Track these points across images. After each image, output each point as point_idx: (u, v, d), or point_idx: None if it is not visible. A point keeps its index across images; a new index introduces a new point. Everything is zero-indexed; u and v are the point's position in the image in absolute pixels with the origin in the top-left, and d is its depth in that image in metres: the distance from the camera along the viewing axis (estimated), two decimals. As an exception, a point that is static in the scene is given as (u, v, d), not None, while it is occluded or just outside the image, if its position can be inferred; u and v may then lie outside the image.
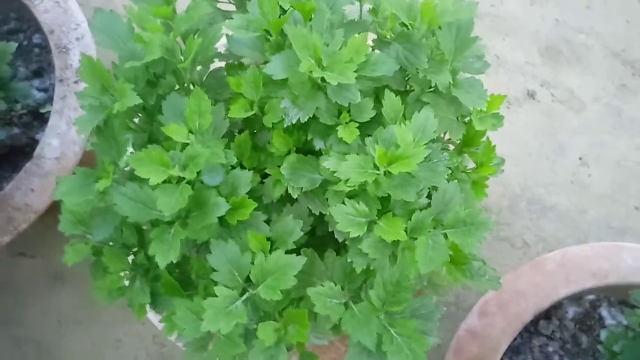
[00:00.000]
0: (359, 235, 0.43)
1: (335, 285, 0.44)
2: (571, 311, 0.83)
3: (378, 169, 0.42)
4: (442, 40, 0.46)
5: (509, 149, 1.27)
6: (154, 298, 0.49)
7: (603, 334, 0.76)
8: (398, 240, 0.43)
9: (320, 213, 0.48)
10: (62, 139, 0.84)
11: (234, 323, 0.40)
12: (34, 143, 0.88)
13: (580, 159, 1.26)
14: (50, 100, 0.89)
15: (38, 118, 0.91)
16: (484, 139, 0.54)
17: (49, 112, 0.86)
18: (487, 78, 1.37)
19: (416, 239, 0.43)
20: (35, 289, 1.14)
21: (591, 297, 0.83)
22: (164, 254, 0.41)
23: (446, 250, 0.44)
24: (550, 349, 0.83)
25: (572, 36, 1.36)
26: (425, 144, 0.43)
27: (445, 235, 0.46)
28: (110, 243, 0.50)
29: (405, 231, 0.43)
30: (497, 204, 1.23)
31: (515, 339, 0.83)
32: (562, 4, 1.39)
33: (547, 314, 0.84)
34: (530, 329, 0.83)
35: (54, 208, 0.71)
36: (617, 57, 1.35)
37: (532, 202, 1.22)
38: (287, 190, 0.48)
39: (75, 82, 0.84)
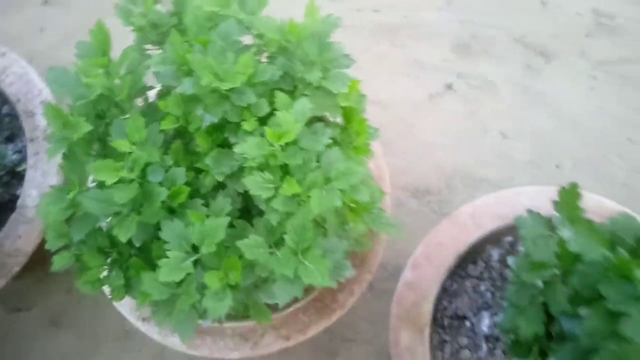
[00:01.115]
0: (269, 197, 0.58)
1: (261, 238, 0.59)
2: (495, 254, 0.98)
3: (272, 145, 0.57)
4: (308, 48, 0.62)
5: (438, 137, 1.44)
6: (127, 282, 0.63)
7: (511, 261, 0.90)
8: (299, 196, 0.58)
9: (245, 191, 0.63)
10: (40, 188, 0.99)
11: (184, 274, 0.54)
12: (15, 198, 1.02)
13: (501, 133, 1.44)
14: (24, 159, 1.03)
15: (16, 177, 1.05)
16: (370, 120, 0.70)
17: (24, 169, 1.01)
18: (409, 79, 1.56)
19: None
20: (36, 338, 1.25)
21: (509, 239, 0.98)
22: (124, 233, 0.56)
23: (335, 197, 0.59)
24: (482, 287, 0.97)
25: (477, 31, 1.56)
26: (305, 123, 0.59)
27: (340, 190, 0.61)
28: (88, 247, 0.65)
29: (303, 188, 0.58)
30: (437, 186, 1.39)
31: (452, 285, 0.98)
32: (463, 6, 1.59)
33: (474, 260, 0.99)
34: (462, 274, 0.98)
35: (44, 262, 0.82)
36: (519, 43, 1.55)
37: (465, 178, 1.38)
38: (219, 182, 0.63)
39: (44, 139, 0.99)
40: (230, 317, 0.94)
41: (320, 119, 0.65)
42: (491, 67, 1.51)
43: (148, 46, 0.66)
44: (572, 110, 1.44)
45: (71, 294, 1.28)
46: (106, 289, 0.71)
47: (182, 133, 0.64)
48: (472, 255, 0.98)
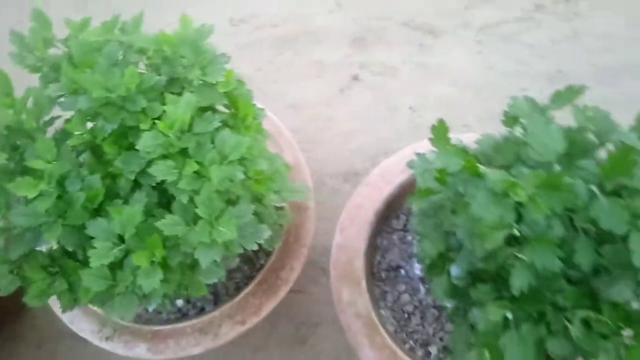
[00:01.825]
0: (175, 180, 0.67)
1: (177, 217, 0.68)
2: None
3: (167, 135, 0.67)
4: (184, 53, 0.73)
5: (355, 124, 1.56)
6: (70, 286, 0.70)
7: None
8: (202, 173, 0.68)
9: (159, 184, 0.72)
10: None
11: (112, 258, 0.63)
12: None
13: (410, 108, 1.58)
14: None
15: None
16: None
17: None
18: (317, 79, 1.68)
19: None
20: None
21: (420, 190, 1.10)
22: (52, 234, 0.64)
23: (236, 170, 0.69)
24: (409, 237, 1.08)
25: (369, 25, 1.71)
26: (197, 114, 0.69)
27: (240, 164, 0.71)
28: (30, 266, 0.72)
29: (204, 166, 0.68)
30: (363, 167, 1.51)
31: (382, 241, 1.08)
32: (352, 5, 1.75)
33: (396, 215, 1.10)
34: (388, 230, 1.09)
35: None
36: (408, 27, 1.71)
37: (387, 154, 1.50)
38: (134, 181, 0.72)
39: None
40: (184, 316, 1.02)
41: (211, 109, 0.75)
42: (389, 53, 1.66)
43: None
44: (466, 75, 1.60)
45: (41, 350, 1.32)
46: (58, 307, 0.78)
47: (94, 147, 0.73)
48: (394, 211, 1.09)
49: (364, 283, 0.98)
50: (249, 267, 1.08)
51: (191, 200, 0.68)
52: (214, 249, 0.67)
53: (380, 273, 1.07)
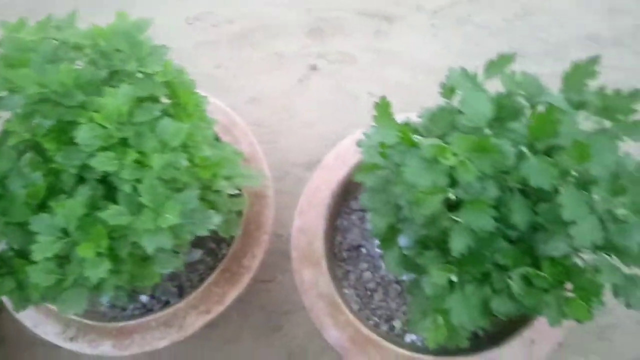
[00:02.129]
0: (117, 170, 0.68)
1: (121, 207, 0.69)
2: (370, 187, 1.11)
3: (105, 127, 0.68)
4: (119, 45, 0.73)
5: (316, 113, 1.58)
6: (19, 284, 0.71)
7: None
8: (143, 162, 0.69)
9: (104, 177, 0.72)
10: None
11: (55, 251, 0.63)
12: None
13: (369, 94, 1.60)
14: None
15: None
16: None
17: None
18: (276, 72, 1.69)
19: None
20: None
21: (377, 171, 1.12)
22: (-6, 232, 0.64)
23: (178, 157, 0.70)
24: (368, 216, 1.10)
25: (324, 15, 1.73)
26: (137, 104, 0.70)
27: (185, 151, 0.72)
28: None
29: (146, 155, 0.69)
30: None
31: (342, 222, 1.10)
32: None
33: (354, 196, 1.12)
34: (347, 211, 1.11)
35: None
36: (362, 15, 1.72)
37: (348, 140, 1.52)
38: (78, 176, 0.72)
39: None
40: (147, 310, 1.02)
41: (153, 99, 0.76)
42: (345, 42, 1.67)
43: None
44: (423, 58, 1.63)
45: None
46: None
47: (35, 145, 0.73)
48: (351, 192, 1.11)
49: (324, 263, 0.99)
50: (212, 258, 1.09)
51: (135, 189, 0.69)
52: (159, 235, 0.67)
53: (341, 253, 1.09)
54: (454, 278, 0.70)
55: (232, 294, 1.01)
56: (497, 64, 0.77)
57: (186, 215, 0.72)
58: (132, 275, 0.74)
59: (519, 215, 0.67)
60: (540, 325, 0.94)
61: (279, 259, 1.38)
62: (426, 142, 0.66)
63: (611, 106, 0.67)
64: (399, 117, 0.77)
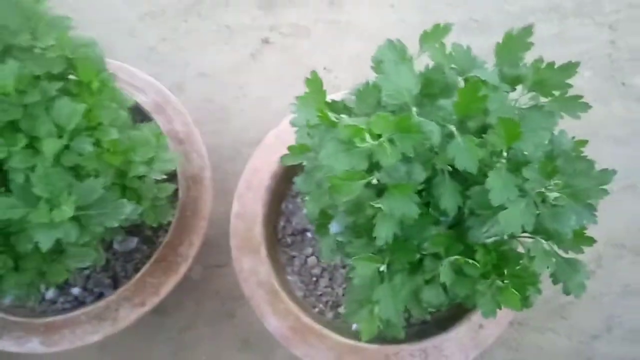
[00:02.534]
0: (5, 157, 0.61)
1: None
2: (314, 167, 1.06)
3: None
4: (7, 17, 0.66)
5: (269, 89, 1.51)
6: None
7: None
8: (37, 148, 0.62)
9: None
10: None
11: None
12: None
13: (325, 69, 1.53)
14: None
15: None
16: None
17: None
18: (226, 45, 1.60)
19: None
20: None
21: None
22: None
23: (82, 141, 0.63)
24: (310, 200, 1.05)
25: (277, -15, 1.63)
26: (32, 83, 0.63)
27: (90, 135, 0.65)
28: None
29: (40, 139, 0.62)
30: (280, 133, 1.45)
31: (287, 206, 1.05)
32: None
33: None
34: (292, 194, 1.05)
35: None
36: (318, -16, 1.63)
37: (302, 118, 1.45)
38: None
39: None
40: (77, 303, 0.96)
41: (54, 76, 0.69)
42: (298, 14, 1.59)
43: None
44: (379, 30, 1.56)
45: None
46: None
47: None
48: (296, 174, 1.05)
49: (263, 250, 0.94)
50: (149, 246, 1.03)
51: (28, 179, 0.62)
52: (55, 229, 0.61)
53: (285, 238, 1.04)
54: (383, 268, 0.66)
55: (169, 285, 0.96)
56: (432, 36, 0.71)
57: (94, 205, 0.66)
58: (39, 272, 0.68)
59: (448, 200, 0.62)
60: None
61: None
62: (343, 122, 0.60)
63: (545, 80, 0.62)
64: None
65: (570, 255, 0.70)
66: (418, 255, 0.64)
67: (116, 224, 0.69)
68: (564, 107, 0.66)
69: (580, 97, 0.66)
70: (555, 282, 0.70)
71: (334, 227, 0.73)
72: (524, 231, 0.59)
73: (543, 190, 0.59)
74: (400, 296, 0.64)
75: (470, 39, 0.68)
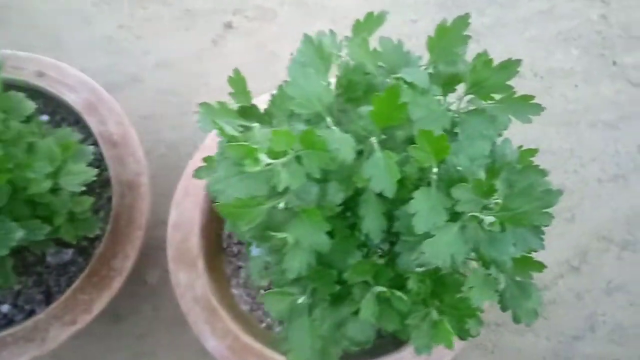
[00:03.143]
0: None
1: None
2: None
3: None
4: None
5: (232, 77, 1.40)
6: None
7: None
8: None
9: None
10: None
11: None
12: None
13: (292, 54, 1.42)
14: None
15: None
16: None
17: None
18: (187, 32, 1.50)
19: None
20: None
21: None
22: None
23: None
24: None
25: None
26: None
27: None
28: None
29: None
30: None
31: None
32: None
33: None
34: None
35: None
36: (282, -37, 1.52)
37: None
38: None
39: None
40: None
41: None
42: (264, -6, 1.48)
43: None
44: (348, 11, 1.45)
45: None
46: None
47: None
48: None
49: (201, 262, 0.86)
50: (85, 258, 0.96)
51: None
52: None
53: (232, 247, 0.96)
54: (302, 300, 0.57)
55: (102, 301, 0.89)
56: (365, 26, 0.61)
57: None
58: None
59: (371, 222, 0.54)
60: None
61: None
62: (247, 136, 0.51)
63: (483, 81, 0.52)
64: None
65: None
66: (338, 286, 0.55)
67: (5, 252, 0.61)
68: (511, 109, 0.56)
69: (532, 97, 0.56)
70: (503, 309, 0.61)
71: (254, 250, 0.64)
72: (454, 262, 0.50)
73: (477, 214, 0.50)
74: (318, 331, 0.55)
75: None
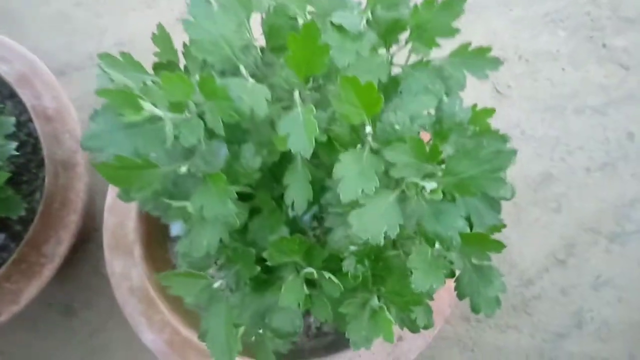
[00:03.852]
0: None
1: None
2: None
3: None
4: None
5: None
6: None
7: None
8: None
9: None
10: None
11: None
12: None
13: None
14: None
15: None
16: None
17: None
18: (150, 9, 1.41)
19: None
20: None
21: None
22: None
23: None
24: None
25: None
26: None
27: None
28: None
29: None
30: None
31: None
32: None
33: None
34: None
35: None
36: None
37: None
38: None
39: None
40: None
41: None
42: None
43: None
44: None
45: None
46: None
47: None
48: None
49: (138, 249, 0.78)
50: (17, 243, 0.87)
51: None
52: None
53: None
54: (219, 284, 0.49)
55: (32, 290, 0.81)
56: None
57: None
58: None
59: (296, 192, 0.45)
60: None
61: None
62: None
63: (425, 24, 0.44)
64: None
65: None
66: (259, 268, 0.47)
67: None
68: (466, 64, 0.48)
69: (488, 49, 0.48)
70: (460, 296, 0.53)
71: (173, 229, 0.56)
72: (387, 237, 0.42)
73: (417, 180, 0.42)
74: (232, 319, 0.47)
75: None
